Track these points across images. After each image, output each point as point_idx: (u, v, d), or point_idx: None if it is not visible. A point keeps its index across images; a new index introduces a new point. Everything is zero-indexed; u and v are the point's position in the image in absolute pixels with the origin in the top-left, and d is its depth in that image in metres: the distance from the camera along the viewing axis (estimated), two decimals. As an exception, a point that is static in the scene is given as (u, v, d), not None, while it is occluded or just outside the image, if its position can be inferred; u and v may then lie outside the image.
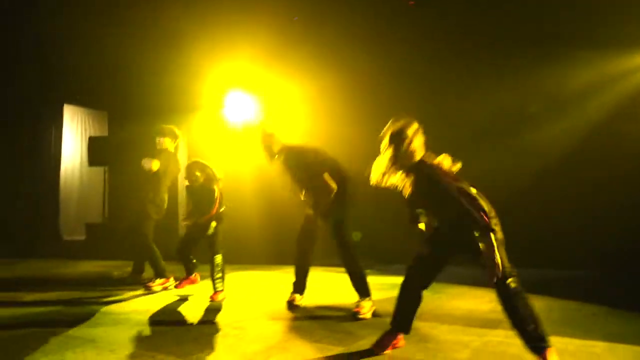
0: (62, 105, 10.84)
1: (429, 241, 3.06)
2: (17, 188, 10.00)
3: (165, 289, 5.42)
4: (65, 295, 5.13)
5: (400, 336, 3.09)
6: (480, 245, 2.70)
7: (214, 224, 5.02)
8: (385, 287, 4.49)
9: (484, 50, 6.99)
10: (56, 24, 9.55)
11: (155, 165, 5.64)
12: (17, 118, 9.93)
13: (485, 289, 5.01)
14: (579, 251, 6.10)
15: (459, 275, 6.06)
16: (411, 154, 2.92)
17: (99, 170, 11.06)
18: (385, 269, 6.14)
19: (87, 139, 10.35)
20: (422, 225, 3.10)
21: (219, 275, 4.87)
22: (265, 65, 8.57)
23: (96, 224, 10.87)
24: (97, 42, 8.99)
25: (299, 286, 4.41)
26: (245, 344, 3.29)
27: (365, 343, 3.23)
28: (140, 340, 3.36)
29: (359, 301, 4.01)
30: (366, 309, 3.95)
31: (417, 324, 3.31)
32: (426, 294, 4.40)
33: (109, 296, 5.02)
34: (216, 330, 3.65)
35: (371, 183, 3.06)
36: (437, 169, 2.91)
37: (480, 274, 2.87)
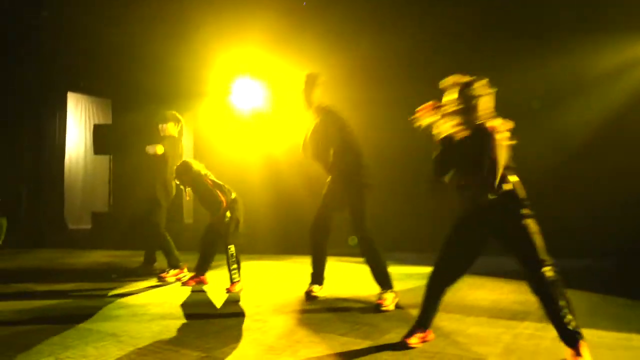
0: (66, 93, 10.69)
1: (459, 227, 2.92)
2: (22, 177, 9.89)
3: (179, 279, 5.34)
4: (77, 286, 5.06)
5: (430, 330, 3.00)
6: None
7: (228, 213, 4.92)
8: (405, 277, 4.41)
9: (504, 32, 6.84)
10: (59, 9, 9.39)
11: (159, 149, 5.53)
12: (20, 106, 9.79)
13: (505, 279, 4.96)
14: (589, 241, 6.03)
15: (474, 265, 6.01)
16: (479, 113, 2.74)
17: (103, 159, 10.95)
18: (404, 259, 6.07)
19: (92, 127, 10.22)
20: (444, 183, 2.91)
21: (235, 266, 4.78)
22: (274, 50, 8.42)
23: (102, 212, 10.79)
24: (101, 28, 8.84)
25: (317, 277, 4.32)
26: (269, 337, 3.21)
27: (392, 337, 3.15)
28: (161, 334, 3.28)
29: (381, 293, 3.93)
30: (389, 301, 3.87)
31: (442, 316, 3.24)
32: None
33: (122, 287, 4.95)
34: (237, 323, 3.57)
35: (418, 124, 2.91)
36: (495, 139, 2.70)
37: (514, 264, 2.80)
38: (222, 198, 4.90)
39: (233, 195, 4.98)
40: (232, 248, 4.79)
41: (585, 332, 2.67)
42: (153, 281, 5.31)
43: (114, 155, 10.42)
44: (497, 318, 3.63)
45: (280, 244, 8.15)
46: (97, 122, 11.32)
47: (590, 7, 6.36)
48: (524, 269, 2.73)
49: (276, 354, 2.87)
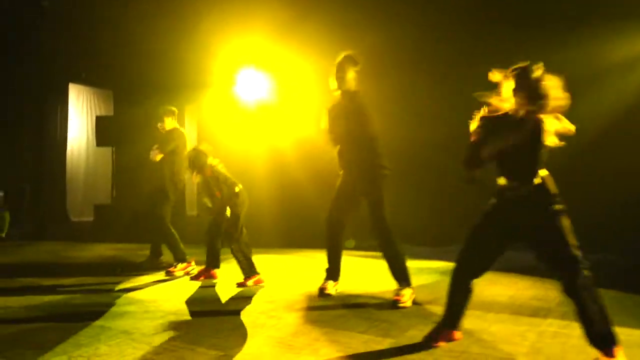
0: (67, 84, 10.55)
1: (485, 222, 2.79)
2: (24, 170, 9.78)
3: (187, 273, 5.26)
4: (84, 280, 4.98)
5: (457, 329, 2.90)
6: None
7: (228, 210, 4.83)
8: (418, 271, 4.31)
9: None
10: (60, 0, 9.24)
11: (158, 157, 5.50)
12: (21, 98, 9.66)
13: (518, 274, 4.87)
14: (598, 235, 5.94)
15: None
16: (542, 101, 2.55)
17: (105, 151, 10.84)
18: (417, 253, 5.98)
19: (95, 119, 10.10)
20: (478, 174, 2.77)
21: (242, 259, 4.69)
22: (279, 41, 8.28)
23: (104, 205, 10.68)
24: (102, 18, 8.69)
25: (333, 273, 4.21)
26: (286, 335, 3.12)
27: (413, 334, 3.07)
28: (175, 332, 3.19)
29: (398, 289, 3.83)
30: (406, 297, 3.78)
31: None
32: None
33: (130, 282, 4.86)
34: (251, 320, 3.48)
35: (483, 99, 2.75)
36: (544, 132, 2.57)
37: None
38: (218, 193, 4.83)
39: (237, 189, 4.87)
40: (234, 246, 4.70)
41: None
42: (160, 275, 5.23)
43: (116, 147, 10.31)
44: (518, 315, 3.55)
45: (285, 238, 8.06)
46: (98, 113, 11.20)
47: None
48: (555, 269, 2.62)
49: (295, 353, 2.78)
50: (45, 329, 3.29)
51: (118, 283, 4.78)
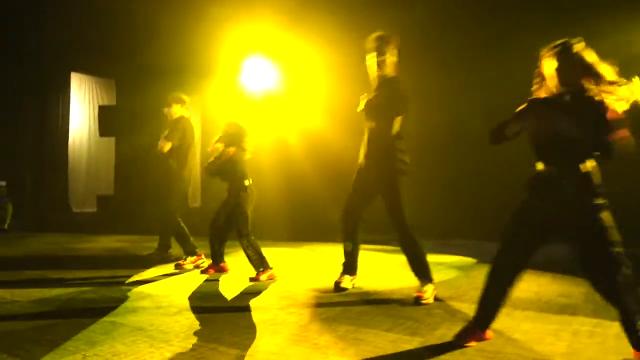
0: (69, 73, 10.35)
1: (522, 217, 2.63)
2: (25, 161, 9.61)
3: (197, 267, 5.13)
4: (92, 274, 4.84)
5: (489, 329, 2.77)
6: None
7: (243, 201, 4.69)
8: (433, 266, 4.14)
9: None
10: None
11: (167, 146, 5.26)
12: (22, 88, 9.45)
13: (535, 270, 4.72)
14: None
15: (494, 252, 5.81)
16: (600, 79, 2.39)
17: (107, 141, 10.69)
18: (430, 247, 5.85)
19: (97, 108, 9.93)
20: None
21: (253, 254, 4.56)
22: (286, 29, 8.10)
23: (107, 195, 10.55)
24: (104, 4, 8.48)
25: (349, 267, 4.08)
26: (310, 333, 2.98)
27: (442, 333, 2.95)
28: (192, 329, 3.06)
29: (420, 285, 3.71)
30: (429, 294, 3.65)
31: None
32: (476, 275, 4.11)
33: (139, 276, 4.73)
34: (271, 317, 3.34)
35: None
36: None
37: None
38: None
39: (247, 182, 4.72)
40: (243, 240, 4.56)
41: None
42: (169, 268, 5.10)
43: (119, 137, 10.15)
44: (546, 312, 3.43)
45: (292, 231, 7.94)
46: (101, 103, 11.01)
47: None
48: (594, 269, 2.45)
49: (322, 353, 2.65)
50: (55, 325, 3.15)
51: (127, 276, 4.65)
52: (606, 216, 2.44)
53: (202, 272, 4.87)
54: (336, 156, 8.18)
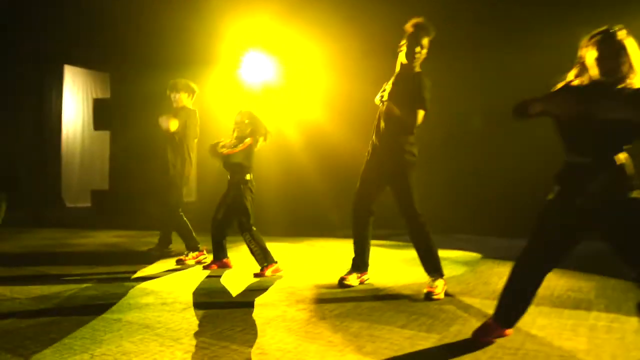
0: (63, 66, 10.17)
1: (552, 213, 2.51)
2: (18, 154, 9.43)
3: (199, 262, 5.03)
4: (91, 269, 4.73)
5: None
6: None
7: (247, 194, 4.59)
8: (445, 261, 4.08)
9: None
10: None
11: (173, 125, 5.09)
12: (14, 81, 9.26)
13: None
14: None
15: (497, 247, 5.79)
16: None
17: (102, 134, 10.53)
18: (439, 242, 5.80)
19: (93, 102, 9.76)
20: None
21: (256, 249, 4.47)
22: (286, 22, 7.99)
23: (101, 190, 10.40)
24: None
25: (359, 264, 3.99)
26: (324, 330, 2.90)
27: (458, 329, 2.89)
28: (201, 327, 2.97)
29: (431, 280, 3.64)
30: (440, 289, 3.59)
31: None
32: (483, 270, 4.03)
33: (141, 271, 4.63)
34: (280, 313, 3.26)
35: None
36: None
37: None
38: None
39: (248, 177, 4.63)
40: (246, 235, 4.47)
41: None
42: (171, 264, 5.00)
43: (113, 131, 10.00)
44: (560, 307, 3.38)
45: (291, 226, 7.85)
46: (95, 96, 10.83)
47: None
48: (634, 266, 2.33)
49: (339, 351, 2.57)
50: (58, 322, 3.04)
51: (128, 272, 4.55)
52: None
53: (205, 267, 4.78)
54: (336, 150, 8.11)
